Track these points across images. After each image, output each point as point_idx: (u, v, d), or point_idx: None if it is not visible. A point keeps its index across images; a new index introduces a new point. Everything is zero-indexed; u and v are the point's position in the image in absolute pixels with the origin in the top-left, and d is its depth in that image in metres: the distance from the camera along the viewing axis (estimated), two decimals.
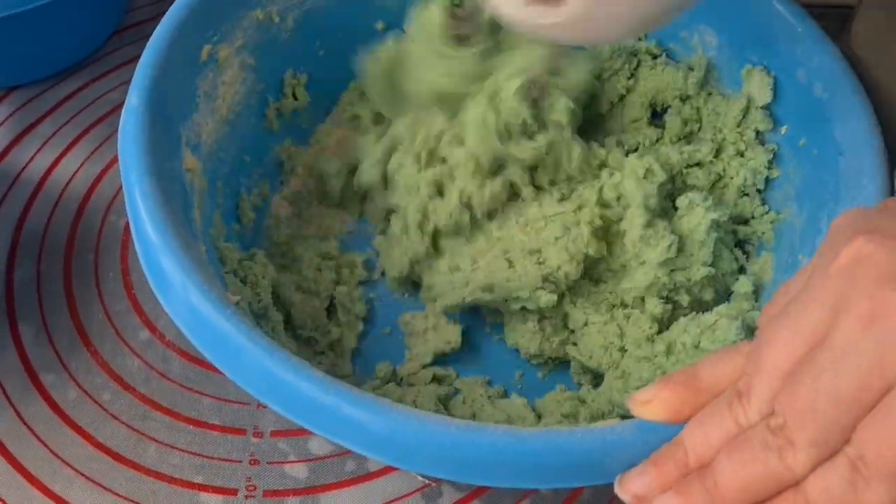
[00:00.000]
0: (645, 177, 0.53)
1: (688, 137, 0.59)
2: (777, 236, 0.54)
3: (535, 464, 0.37)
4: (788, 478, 0.32)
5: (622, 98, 0.60)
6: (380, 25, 0.60)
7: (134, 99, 0.45)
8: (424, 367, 0.53)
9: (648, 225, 0.51)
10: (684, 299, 0.52)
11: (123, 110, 0.45)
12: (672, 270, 0.52)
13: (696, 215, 0.51)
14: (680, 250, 0.52)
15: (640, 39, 0.60)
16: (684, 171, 0.56)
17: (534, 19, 0.40)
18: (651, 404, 0.36)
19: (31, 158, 0.63)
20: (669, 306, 0.52)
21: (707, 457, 0.34)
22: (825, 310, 0.32)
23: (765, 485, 0.32)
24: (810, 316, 0.32)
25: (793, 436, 0.31)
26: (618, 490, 0.36)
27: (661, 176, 0.53)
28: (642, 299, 0.52)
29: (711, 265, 0.52)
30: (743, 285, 0.52)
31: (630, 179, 0.53)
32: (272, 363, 0.38)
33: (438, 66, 0.52)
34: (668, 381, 0.36)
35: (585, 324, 0.52)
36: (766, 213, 0.55)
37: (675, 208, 0.54)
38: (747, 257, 0.55)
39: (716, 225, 0.52)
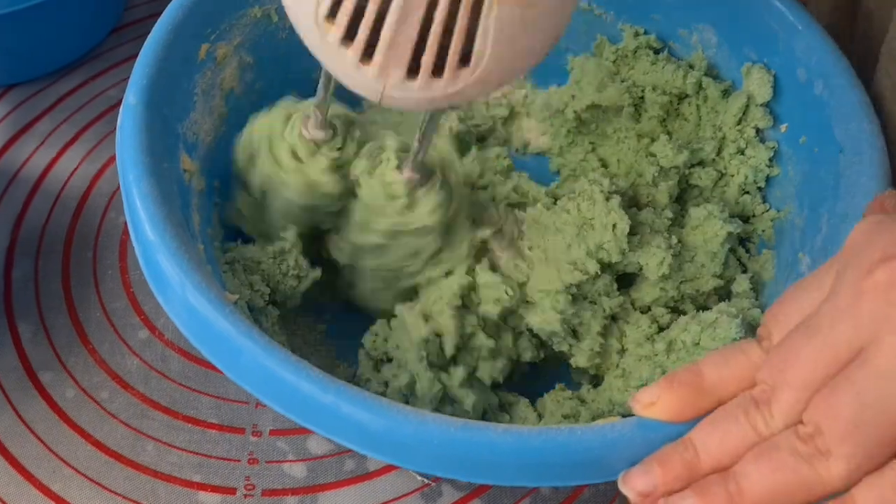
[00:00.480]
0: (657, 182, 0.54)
1: (688, 136, 0.58)
2: (778, 234, 0.54)
3: (534, 462, 0.37)
4: (818, 486, 0.32)
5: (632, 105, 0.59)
6: None
7: (131, 98, 0.45)
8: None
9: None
10: (690, 308, 0.52)
11: (121, 109, 0.45)
12: (681, 282, 0.51)
13: (713, 227, 0.51)
14: (690, 261, 0.51)
15: (637, 35, 0.60)
16: (687, 171, 0.56)
17: (414, 94, 0.35)
18: (655, 406, 0.36)
19: (30, 156, 0.63)
20: (676, 315, 0.52)
21: (723, 461, 0.34)
22: (859, 329, 0.32)
23: (792, 491, 0.33)
24: (842, 333, 0.32)
25: (829, 446, 0.32)
26: (621, 486, 0.36)
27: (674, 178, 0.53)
28: (648, 307, 0.52)
29: (720, 276, 0.51)
30: (743, 283, 0.52)
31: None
32: (271, 362, 0.38)
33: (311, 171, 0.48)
34: (671, 381, 0.36)
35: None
36: (767, 210, 0.55)
37: (682, 214, 0.53)
38: (749, 255, 0.55)
39: (730, 237, 0.51)
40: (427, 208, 0.48)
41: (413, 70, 0.34)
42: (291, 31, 0.56)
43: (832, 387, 0.32)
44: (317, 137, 0.48)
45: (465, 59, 0.34)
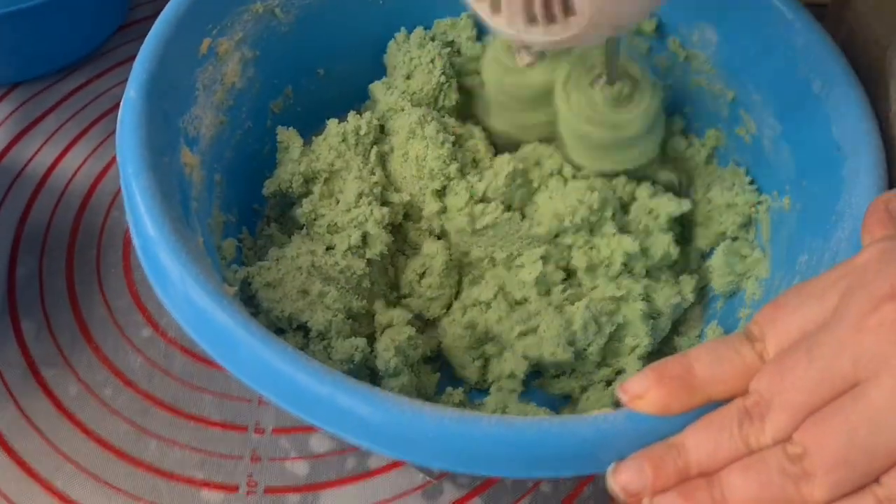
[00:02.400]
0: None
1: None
2: (774, 232, 0.53)
3: (527, 453, 0.37)
4: (797, 503, 0.33)
5: None
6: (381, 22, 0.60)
7: (132, 91, 0.45)
8: None
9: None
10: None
11: (122, 103, 0.45)
12: None
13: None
14: None
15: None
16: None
17: (541, 38, 0.41)
18: (643, 400, 0.36)
19: (34, 155, 0.64)
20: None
21: (711, 468, 0.34)
22: (859, 363, 0.32)
23: None
24: (842, 365, 0.33)
25: (815, 471, 0.32)
26: (611, 480, 0.36)
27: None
28: None
29: None
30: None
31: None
32: (268, 354, 0.38)
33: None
34: (661, 374, 0.36)
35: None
36: (765, 211, 0.55)
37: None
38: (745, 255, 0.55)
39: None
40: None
41: (533, 19, 0.40)
42: (293, 26, 0.57)
43: (824, 416, 0.33)
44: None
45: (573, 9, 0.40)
